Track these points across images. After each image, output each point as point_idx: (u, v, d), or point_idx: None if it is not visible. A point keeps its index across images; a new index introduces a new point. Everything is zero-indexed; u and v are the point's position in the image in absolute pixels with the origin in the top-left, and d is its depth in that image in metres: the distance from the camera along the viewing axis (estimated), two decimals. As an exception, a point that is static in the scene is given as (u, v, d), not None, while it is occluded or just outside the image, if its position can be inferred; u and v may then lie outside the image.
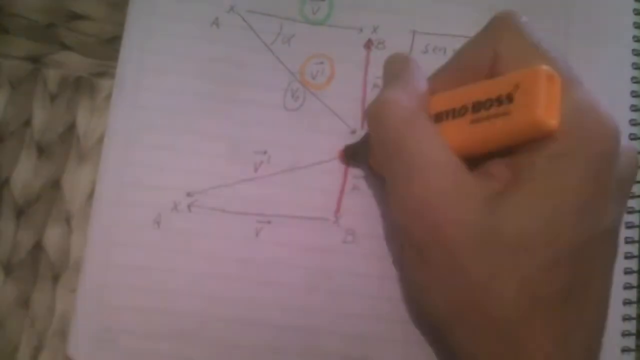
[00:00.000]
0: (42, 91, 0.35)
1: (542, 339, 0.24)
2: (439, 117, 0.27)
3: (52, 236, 0.33)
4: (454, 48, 0.35)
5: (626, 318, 0.33)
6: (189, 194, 0.33)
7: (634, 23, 0.36)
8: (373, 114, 0.28)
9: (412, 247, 0.27)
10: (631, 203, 0.34)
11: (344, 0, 0.35)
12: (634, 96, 0.35)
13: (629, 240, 0.34)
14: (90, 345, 0.31)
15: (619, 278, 0.34)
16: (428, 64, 0.35)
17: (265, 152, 0.34)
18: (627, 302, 0.34)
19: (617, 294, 0.34)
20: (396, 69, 0.30)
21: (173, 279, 0.32)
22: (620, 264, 0.34)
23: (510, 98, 0.24)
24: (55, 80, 0.35)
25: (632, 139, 0.35)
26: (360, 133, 0.34)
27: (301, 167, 0.34)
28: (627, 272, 0.34)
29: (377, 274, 0.33)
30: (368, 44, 0.35)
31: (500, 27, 0.27)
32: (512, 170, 0.25)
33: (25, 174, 0.34)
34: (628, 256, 0.34)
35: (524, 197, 0.24)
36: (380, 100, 0.28)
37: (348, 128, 0.34)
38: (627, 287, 0.34)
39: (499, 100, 0.25)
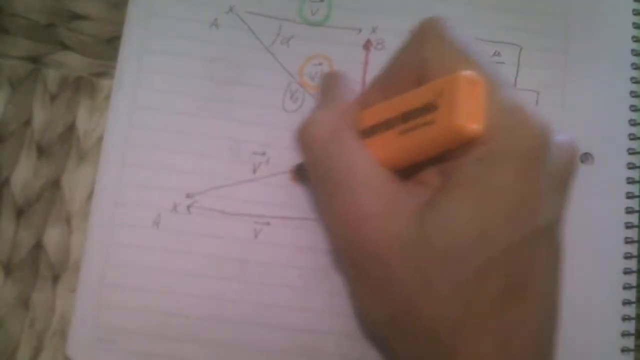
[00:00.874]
0: (42, 91, 0.35)
1: (479, 343, 0.24)
2: (372, 131, 0.27)
3: (52, 236, 0.33)
4: (454, 48, 0.35)
5: (626, 318, 0.33)
6: (188, 195, 0.33)
7: (634, 23, 0.36)
8: (299, 137, 0.28)
9: (348, 263, 0.27)
10: (631, 203, 0.34)
11: (343, 1, 0.35)
12: (633, 96, 0.35)
13: (628, 240, 0.34)
14: (89, 345, 0.32)
15: (618, 278, 0.34)
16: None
17: (264, 153, 0.34)
18: (626, 302, 0.33)
19: (617, 294, 0.34)
20: (325, 88, 0.30)
21: (172, 280, 0.32)
22: (620, 264, 0.34)
23: (434, 106, 0.24)
24: (55, 80, 0.35)
25: (631, 139, 0.35)
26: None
27: (300, 168, 0.34)
28: (627, 272, 0.34)
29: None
30: (367, 45, 0.35)
31: (425, 34, 0.27)
32: (442, 176, 0.25)
33: (25, 174, 0.34)
34: (628, 256, 0.34)
35: (452, 203, 0.24)
36: (306, 122, 0.28)
37: (347, 129, 0.34)
38: (627, 287, 0.34)
39: (424, 109, 0.24)
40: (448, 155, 0.25)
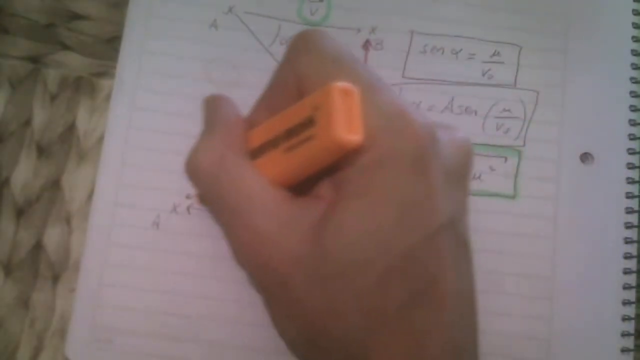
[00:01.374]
0: (42, 91, 0.35)
1: (393, 349, 0.23)
2: (260, 151, 0.26)
3: (52, 236, 0.33)
4: (453, 48, 0.35)
5: (625, 318, 0.33)
6: (188, 196, 0.33)
7: (634, 23, 0.36)
8: (187, 168, 0.27)
9: (256, 287, 0.27)
10: (631, 203, 0.34)
11: (342, 1, 0.35)
12: (633, 96, 0.35)
13: (628, 241, 0.34)
14: (88, 345, 0.32)
15: (618, 278, 0.34)
16: (426, 64, 0.35)
17: (263, 154, 0.34)
18: (626, 303, 0.33)
19: (617, 294, 0.34)
20: (207, 113, 0.29)
21: (171, 280, 0.32)
22: (620, 264, 0.34)
23: (313, 120, 0.24)
24: (55, 80, 0.35)
25: (631, 139, 0.35)
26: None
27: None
28: (627, 272, 0.34)
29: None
30: (366, 45, 0.35)
31: (299, 47, 0.26)
32: (335, 188, 0.25)
33: (25, 174, 0.34)
34: (627, 256, 0.34)
35: (345, 215, 0.23)
36: (191, 152, 0.27)
37: (346, 129, 0.34)
38: (627, 287, 0.34)
39: (304, 125, 0.24)
40: (337, 166, 0.24)
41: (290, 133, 0.25)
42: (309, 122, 0.24)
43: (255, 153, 0.27)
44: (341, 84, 0.23)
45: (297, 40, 0.26)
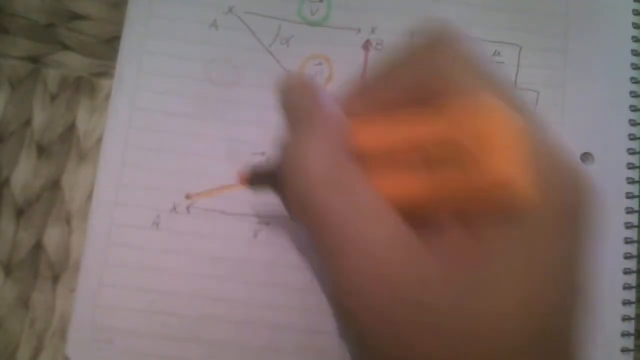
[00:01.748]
0: (42, 91, 0.35)
1: None
2: (369, 159, 0.22)
3: (52, 236, 0.33)
4: (453, 48, 0.35)
5: (625, 318, 0.33)
6: (187, 196, 0.33)
7: (634, 23, 0.36)
8: (287, 172, 0.23)
9: (356, 339, 0.22)
10: (631, 203, 0.34)
11: (342, 1, 0.35)
12: (633, 96, 0.35)
13: (628, 241, 0.34)
14: (88, 345, 0.32)
15: (618, 278, 0.34)
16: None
17: (263, 154, 0.34)
18: (626, 303, 0.33)
19: (617, 294, 0.34)
20: (301, 104, 0.24)
21: (171, 280, 0.32)
22: (620, 263, 0.34)
23: (459, 145, 0.20)
24: (55, 80, 0.35)
25: (631, 139, 0.35)
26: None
27: (299, 168, 0.34)
28: (627, 272, 0.34)
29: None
30: (366, 45, 0.35)
31: (440, 43, 0.22)
32: (472, 235, 0.21)
33: (25, 174, 0.34)
34: (628, 256, 0.34)
35: (489, 271, 0.20)
36: (292, 153, 0.22)
37: (346, 129, 0.34)
38: (627, 287, 0.34)
39: (441, 145, 0.20)
40: (474, 207, 0.21)
41: (421, 150, 0.21)
42: (452, 145, 0.20)
43: (360, 158, 0.22)
44: (517, 120, 0.19)
45: (438, 33, 0.22)
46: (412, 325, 0.20)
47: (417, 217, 0.21)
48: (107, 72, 0.35)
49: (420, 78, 0.22)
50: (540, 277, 0.20)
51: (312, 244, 0.23)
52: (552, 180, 0.20)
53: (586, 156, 0.35)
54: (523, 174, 0.19)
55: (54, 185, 0.34)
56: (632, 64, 0.36)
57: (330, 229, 0.21)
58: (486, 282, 0.20)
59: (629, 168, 0.35)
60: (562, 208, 0.20)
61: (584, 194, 0.21)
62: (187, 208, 0.33)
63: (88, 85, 0.35)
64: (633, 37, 0.36)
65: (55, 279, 0.33)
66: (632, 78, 0.35)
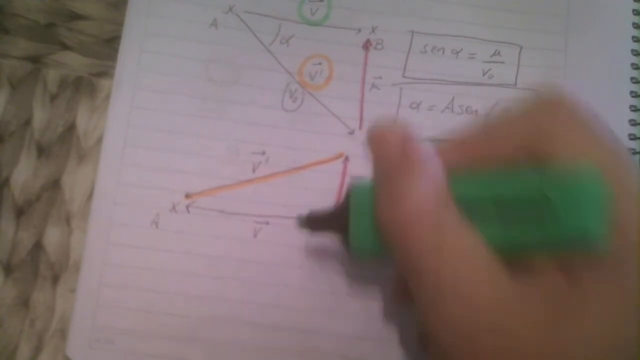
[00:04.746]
0: (42, 91, 0.35)
1: None
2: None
3: (52, 236, 0.33)
4: (453, 48, 0.35)
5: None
6: (187, 195, 0.33)
7: (634, 23, 0.36)
8: (390, 220, 0.23)
9: None
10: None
11: (342, 0, 0.36)
12: (633, 96, 0.35)
13: (628, 241, 0.34)
14: (88, 345, 0.32)
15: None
16: (427, 64, 0.35)
17: (263, 153, 0.34)
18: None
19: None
20: (395, 153, 0.24)
21: (171, 280, 0.32)
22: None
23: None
24: (55, 80, 0.35)
25: (631, 139, 0.35)
26: (358, 135, 0.34)
27: (299, 168, 0.34)
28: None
29: (375, 275, 0.33)
30: (366, 45, 0.35)
31: (555, 105, 0.23)
32: (566, 274, 0.22)
33: (25, 174, 0.34)
34: (628, 256, 0.34)
35: (594, 320, 0.21)
36: (393, 201, 0.23)
37: (346, 129, 0.34)
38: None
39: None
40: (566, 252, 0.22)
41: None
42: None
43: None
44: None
45: (555, 96, 0.24)
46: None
47: (513, 259, 0.23)
48: (107, 72, 0.35)
49: (529, 136, 0.23)
50: (633, 322, 0.21)
51: (413, 292, 0.23)
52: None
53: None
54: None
55: (54, 185, 0.34)
56: (632, 64, 0.36)
57: (425, 275, 0.22)
58: (579, 322, 0.21)
59: (629, 168, 0.34)
60: None
61: None
62: (187, 207, 0.33)
63: (88, 85, 0.35)
64: (633, 37, 0.36)
65: (55, 279, 0.33)
66: (632, 78, 0.35)
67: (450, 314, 0.22)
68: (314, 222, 0.29)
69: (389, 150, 0.24)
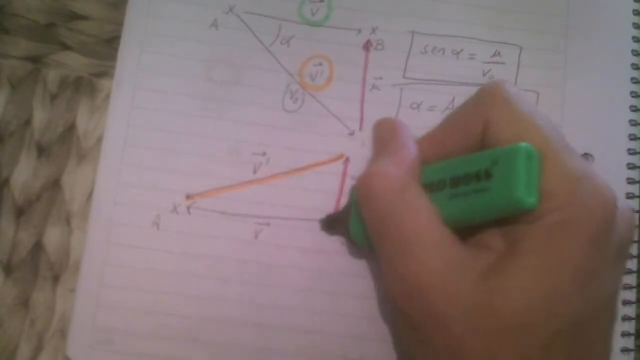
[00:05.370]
0: (42, 91, 0.35)
1: None
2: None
3: (52, 236, 0.33)
4: (453, 48, 0.35)
5: (625, 318, 0.33)
6: (188, 196, 0.33)
7: (634, 23, 0.36)
8: (362, 187, 0.28)
9: (407, 324, 0.27)
10: (631, 203, 0.34)
11: (343, 1, 0.36)
12: (633, 96, 0.35)
13: (628, 241, 0.34)
14: (88, 345, 0.32)
15: (618, 278, 0.34)
16: (427, 64, 0.35)
17: (264, 154, 0.34)
18: (626, 303, 0.33)
19: (617, 294, 0.34)
20: (384, 137, 0.30)
21: (172, 280, 0.32)
22: (620, 264, 0.34)
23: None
24: (55, 80, 0.35)
25: (631, 139, 0.35)
26: (358, 135, 0.34)
27: (300, 169, 0.34)
28: (627, 272, 0.34)
29: (375, 275, 0.33)
30: (367, 45, 0.35)
31: (492, 96, 0.27)
32: (507, 240, 0.25)
33: (25, 174, 0.34)
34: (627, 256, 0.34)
35: (522, 271, 0.24)
36: (369, 173, 0.28)
37: (347, 129, 0.34)
38: (626, 287, 0.34)
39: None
40: (510, 219, 0.25)
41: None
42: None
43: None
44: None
45: (490, 88, 0.28)
46: (450, 313, 0.24)
47: (465, 233, 0.27)
48: (107, 72, 0.35)
49: (472, 125, 0.27)
50: (566, 280, 0.23)
51: (376, 250, 0.28)
52: (579, 195, 0.24)
53: (586, 156, 0.35)
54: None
55: (54, 185, 0.34)
56: (632, 64, 0.36)
57: (391, 238, 0.26)
58: (510, 276, 0.24)
59: (629, 168, 0.35)
60: (585, 220, 0.24)
61: (608, 211, 0.24)
62: (188, 208, 0.33)
63: (88, 85, 0.35)
64: (633, 37, 0.36)
65: (55, 279, 0.33)
66: (632, 78, 0.35)
67: (406, 271, 0.25)
68: (331, 223, 0.33)
69: (379, 134, 0.31)
